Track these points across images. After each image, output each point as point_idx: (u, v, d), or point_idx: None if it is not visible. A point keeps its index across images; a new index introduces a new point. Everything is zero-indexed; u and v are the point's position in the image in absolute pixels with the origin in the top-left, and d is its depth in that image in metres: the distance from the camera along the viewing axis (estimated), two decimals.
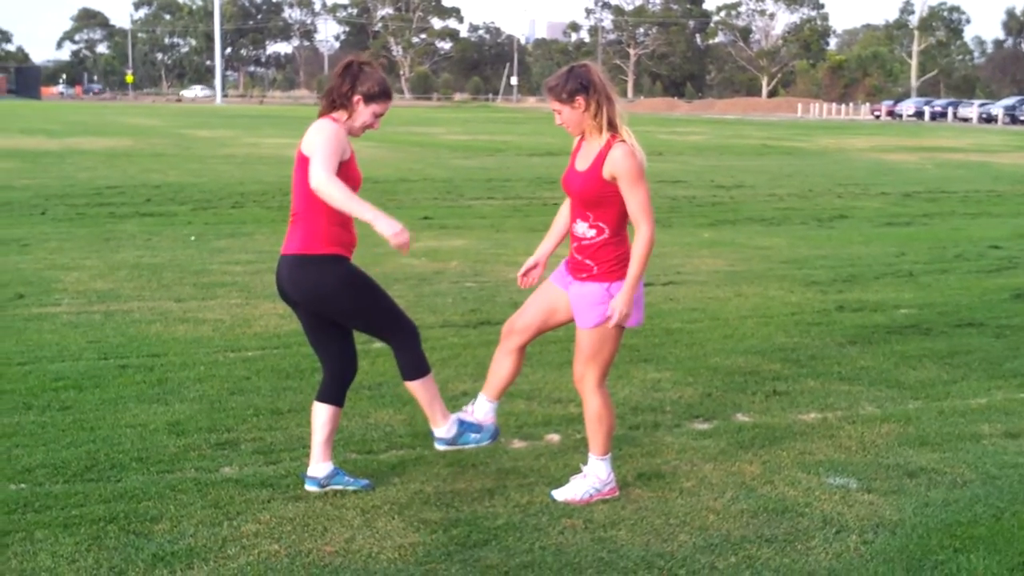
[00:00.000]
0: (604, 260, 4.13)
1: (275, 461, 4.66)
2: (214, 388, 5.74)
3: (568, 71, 4.11)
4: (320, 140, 3.99)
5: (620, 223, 4.14)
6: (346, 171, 4.07)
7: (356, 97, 4.10)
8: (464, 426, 4.36)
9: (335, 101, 4.13)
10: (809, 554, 3.83)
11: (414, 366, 4.23)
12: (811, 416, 5.46)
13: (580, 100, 4.06)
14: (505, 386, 4.48)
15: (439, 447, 4.39)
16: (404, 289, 8.64)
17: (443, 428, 4.33)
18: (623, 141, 4.08)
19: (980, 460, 4.81)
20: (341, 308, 4.17)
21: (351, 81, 4.10)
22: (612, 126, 4.09)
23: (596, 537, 3.95)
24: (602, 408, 4.28)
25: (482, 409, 4.47)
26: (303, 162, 4.06)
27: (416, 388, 4.26)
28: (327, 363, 4.33)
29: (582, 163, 4.17)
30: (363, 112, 4.13)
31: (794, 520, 4.12)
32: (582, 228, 4.17)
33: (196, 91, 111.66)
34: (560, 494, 4.30)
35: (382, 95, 4.15)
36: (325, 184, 3.87)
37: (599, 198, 4.09)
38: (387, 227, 3.87)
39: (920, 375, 6.28)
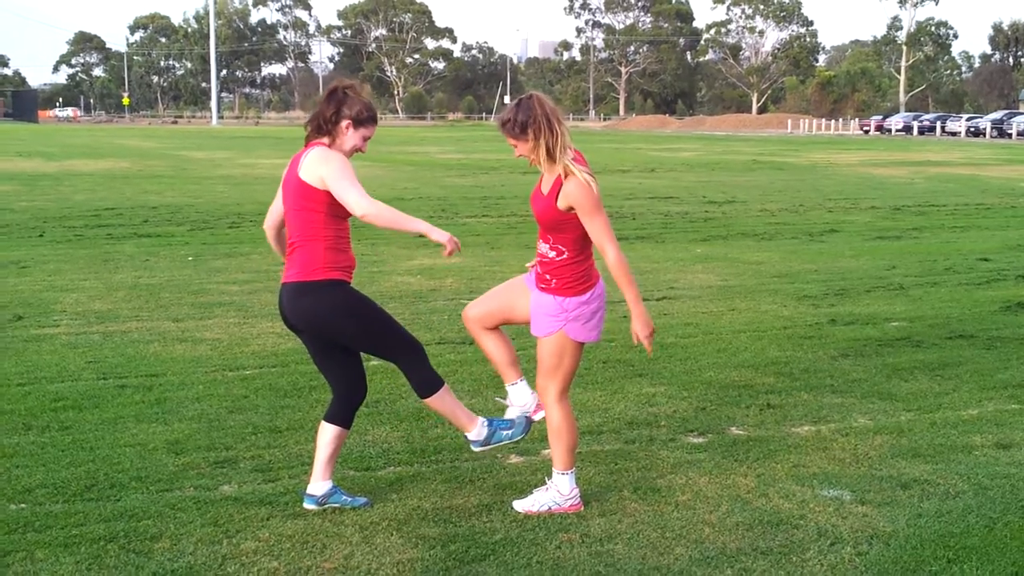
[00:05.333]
0: (563, 277, 4.22)
1: (274, 479, 4.69)
2: (213, 407, 5.77)
3: (516, 105, 4.18)
4: (337, 169, 4.03)
5: (580, 244, 4.20)
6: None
7: (345, 122, 4.15)
8: (495, 424, 4.42)
9: (321, 127, 4.18)
10: (804, 566, 3.87)
11: (426, 383, 4.29)
12: (804, 429, 5.50)
13: (531, 132, 4.13)
14: (511, 358, 4.52)
15: (475, 449, 4.44)
16: (400, 307, 8.69)
17: (474, 431, 4.38)
18: (574, 175, 4.10)
19: (972, 471, 4.85)
20: (345, 332, 4.19)
21: (336, 106, 4.15)
22: (551, 157, 4.12)
23: (593, 551, 3.98)
24: (563, 421, 4.33)
25: (518, 394, 4.53)
26: (302, 189, 4.08)
27: (434, 403, 4.32)
28: (335, 387, 4.36)
29: (545, 187, 4.25)
30: (352, 136, 4.18)
31: (789, 532, 4.16)
32: (544, 248, 4.27)
33: (66, 112, 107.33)
34: (520, 504, 4.36)
35: (370, 119, 4.21)
36: (374, 209, 3.93)
37: (557, 224, 4.18)
38: (441, 235, 3.97)
39: (912, 387, 6.33)
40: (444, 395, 4.31)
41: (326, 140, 4.18)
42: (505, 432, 4.42)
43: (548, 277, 4.25)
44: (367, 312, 4.20)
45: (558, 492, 4.35)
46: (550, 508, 4.32)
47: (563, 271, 4.21)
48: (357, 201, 3.95)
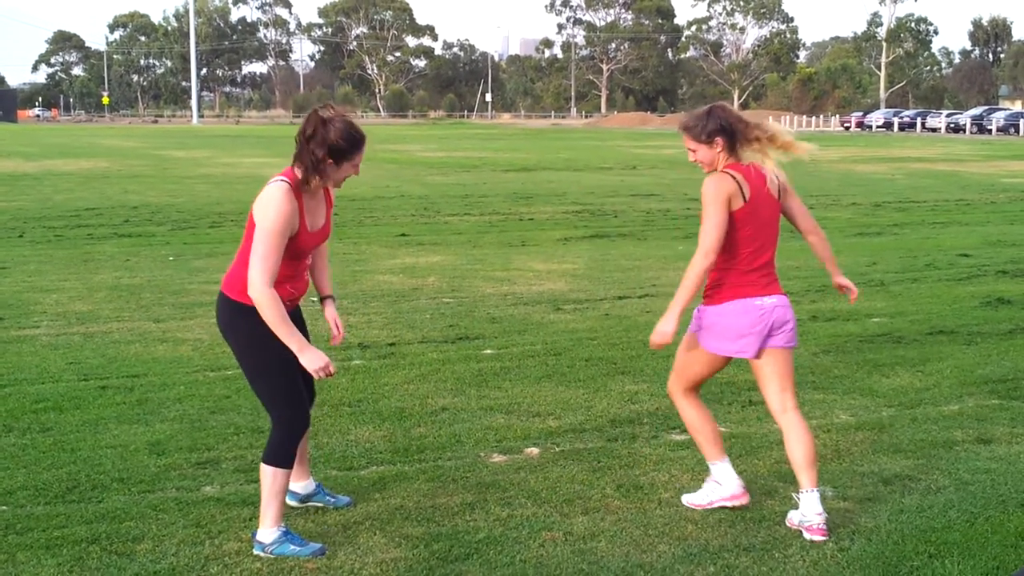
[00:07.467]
0: (708, 283, 4.26)
1: (256, 480, 4.64)
2: (194, 407, 5.75)
3: (708, 112, 4.17)
4: (260, 231, 3.75)
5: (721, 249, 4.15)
6: (299, 240, 3.90)
7: (328, 160, 3.86)
8: (288, 536, 3.93)
9: (308, 167, 3.84)
10: (787, 562, 3.89)
11: (275, 453, 3.93)
12: None
13: (719, 140, 4.10)
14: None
15: (255, 550, 3.92)
16: (382, 306, 8.68)
17: (267, 532, 3.92)
18: (716, 170, 4.11)
19: (953, 466, 4.89)
20: (237, 358, 4.04)
21: (323, 145, 3.83)
22: (736, 156, 4.13)
23: (576, 549, 3.99)
24: (686, 416, 4.39)
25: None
26: (249, 219, 3.87)
27: (265, 473, 3.94)
28: None
29: None
30: (342, 169, 3.93)
31: (771, 529, 4.18)
32: None
33: (38, 111, 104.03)
34: (689, 499, 4.42)
35: (352, 148, 3.91)
36: (261, 297, 3.73)
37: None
38: (310, 361, 3.78)
39: (893, 383, 6.37)
40: (279, 476, 3.92)
41: (317, 177, 3.88)
42: (292, 547, 3.90)
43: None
44: (265, 352, 3.89)
45: (716, 483, 4.36)
46: (712, 501, 4.35)
47: (710, 276, 4.22)
48: (253, 280, 3.73)
